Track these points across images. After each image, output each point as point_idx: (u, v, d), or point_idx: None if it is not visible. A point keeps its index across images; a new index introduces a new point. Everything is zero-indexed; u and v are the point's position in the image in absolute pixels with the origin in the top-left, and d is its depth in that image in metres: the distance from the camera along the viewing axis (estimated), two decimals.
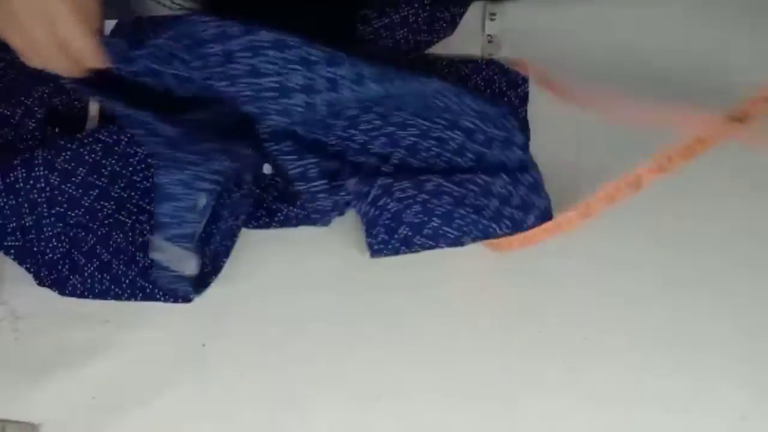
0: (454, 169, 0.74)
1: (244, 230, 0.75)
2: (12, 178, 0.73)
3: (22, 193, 0.73)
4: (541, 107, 0.80)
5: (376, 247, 0.73)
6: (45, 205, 0.73)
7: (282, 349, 0.71)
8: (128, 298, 0.73)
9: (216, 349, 0.71)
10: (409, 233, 0.73)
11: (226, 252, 0.73)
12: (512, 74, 0.81)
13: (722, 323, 0.71)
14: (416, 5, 0.81)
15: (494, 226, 0.72)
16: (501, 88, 0.80)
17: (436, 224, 0.73)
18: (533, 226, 0.71)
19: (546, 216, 0.72)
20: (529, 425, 0.68)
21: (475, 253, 0.74)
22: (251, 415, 0.69)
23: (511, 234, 0.72)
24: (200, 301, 0.73)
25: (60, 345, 0.71)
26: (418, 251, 0.73)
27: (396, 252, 0.74)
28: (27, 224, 0.73)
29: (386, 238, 0.73)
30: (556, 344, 0.70)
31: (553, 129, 0.79)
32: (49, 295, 0.73)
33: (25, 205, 0.73)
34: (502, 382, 0.69)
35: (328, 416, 0.69)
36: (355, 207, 0.73)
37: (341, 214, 0.75)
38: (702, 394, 0.68)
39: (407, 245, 0.73)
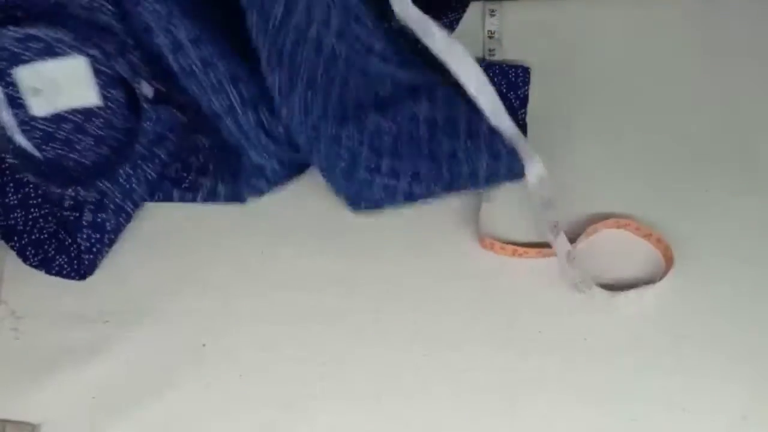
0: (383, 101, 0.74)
1: (241, 231, 0.75)
2: None
3: (7, 173, 0.73)
4: (540, 108, 0.80)
5: (345, 196, 0.72)
6: (31, 185, 0.74)
7: (282, 349, 0.71)
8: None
9: (216, 349, 0.71)
10: (368, 177, 0.72)
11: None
12: (512, 76, 0.81)
13: (723, 323, 0.71)
14: None
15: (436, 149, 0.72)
16: (501, 90, 0.80)
17: (388, 161, 0.72)
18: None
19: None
20: (529, 425, 0.68)
21: (475, 255, 0.74)
22: (251, 415, 0.69)
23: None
24: (200, 301, 0.73)
25: (60, 345, 0.71)
26: (387, 201, 0.73)
27: (358, 195, 0.72)
28: (11, 203, 0.73)
29: (348, 184, 0.72)
30: (556, 344, 0.70)
31: (552, 130, 0.79)
32: (49, 295, 0.73)
33: (11, 184, 0.74)
34: (503, 382, 0.69)
35: (328, 416, 0.69)
36: (313, 162, 0.72)
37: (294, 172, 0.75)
38: (702, 394, 0.68)
39: (369, 187, 0.72)
